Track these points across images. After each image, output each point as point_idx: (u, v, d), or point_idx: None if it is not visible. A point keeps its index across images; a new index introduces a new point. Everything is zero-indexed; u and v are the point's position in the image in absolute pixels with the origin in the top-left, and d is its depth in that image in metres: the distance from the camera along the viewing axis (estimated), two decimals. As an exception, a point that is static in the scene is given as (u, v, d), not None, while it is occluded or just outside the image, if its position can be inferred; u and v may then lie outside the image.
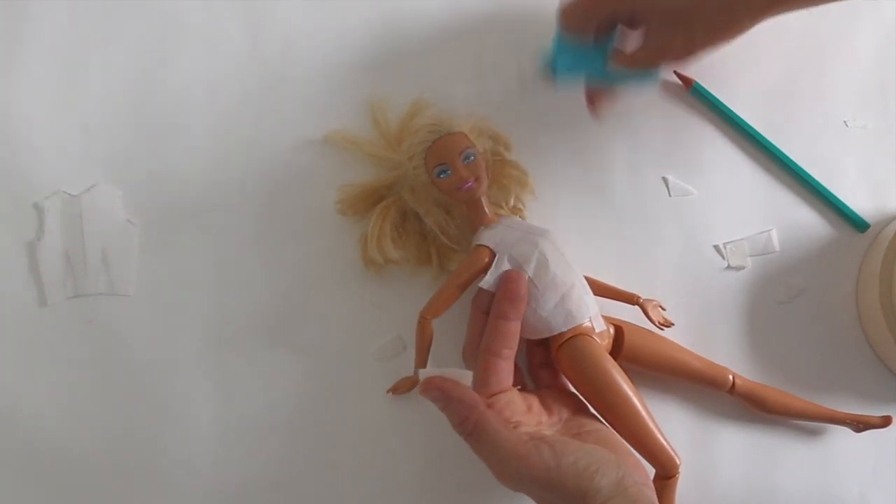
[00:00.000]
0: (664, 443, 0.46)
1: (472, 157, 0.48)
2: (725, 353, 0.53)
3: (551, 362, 0.49)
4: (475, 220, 0.49)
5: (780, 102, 0.59)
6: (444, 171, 0.48)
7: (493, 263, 0.47)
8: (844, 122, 0.59)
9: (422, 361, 0.48)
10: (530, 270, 0.46)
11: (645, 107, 0.58)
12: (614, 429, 0.46)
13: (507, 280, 0.46)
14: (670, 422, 0.51)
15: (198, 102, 0.57)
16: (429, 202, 0.51)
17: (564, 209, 0.55)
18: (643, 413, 0.46)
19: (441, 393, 0.42)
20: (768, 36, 0.61)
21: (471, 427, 0.41)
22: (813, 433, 0.53)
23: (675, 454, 0.46)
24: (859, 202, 0.57)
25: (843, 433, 0.52)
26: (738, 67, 0.60)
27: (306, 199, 0.54)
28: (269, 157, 0.56)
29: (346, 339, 0.53)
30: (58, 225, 0.53)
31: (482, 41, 0.58)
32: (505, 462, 0.41)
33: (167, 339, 0.52)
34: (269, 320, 0.53)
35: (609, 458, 0.42)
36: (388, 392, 0.51)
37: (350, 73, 0.58)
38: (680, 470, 0.46)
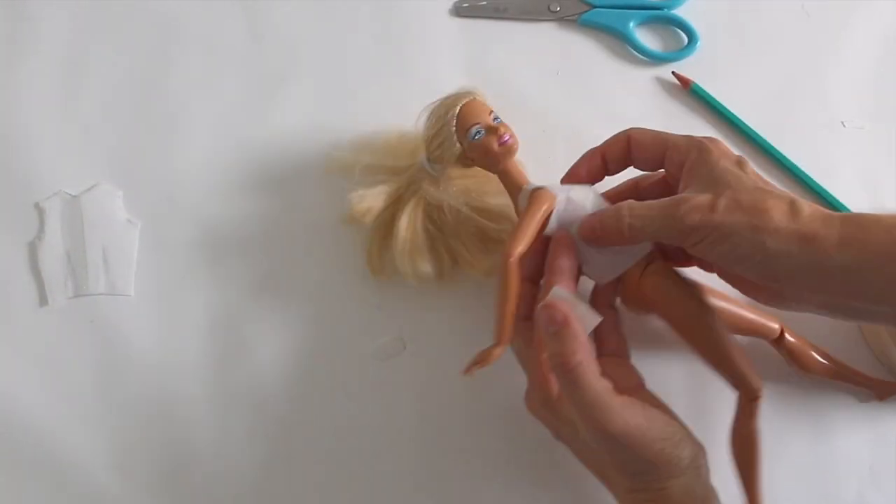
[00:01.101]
0: (749, 363, 0.45)
1: (500, 120, 0.48)
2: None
3: (618, 327, 0.48)
4: (514, 184, 0.48)
5: (778, 103, 0.59)
6: (479, 132, 0.47)
7: (556, 206, 0.45)
8: (842, 122, 0.59)
9: (510, 313, 0.44)
10: (590, 207, 0.45)
11: (644, 107, 0.59)
12: (705, 353, 0.45)
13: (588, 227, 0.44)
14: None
15: (198, 102, 0.57)
16: (455, 191, 0.50)
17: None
18: (729, 334, 0.45)
19: (564, 319, 0.40)
20: (766, 37, 0.61)
21: (573, 365, 0.39)
22: (812, 433, 0.53)
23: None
24: (857, 202, 0.57)
25: (843, 433, 0.52)
26: (736, 68, 0.60)
27: (306, 198, 0.55)
28: (269, 156, 0.56)
29: (346, 339, 0.53)
30: (58, 225, 0.53)
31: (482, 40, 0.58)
32: (598, 412, 0.39)
33: (167, 339, 0.52)
34: (269, 320, 0.53)
35: (687, 433, 0.43)
36: (465, 372, 0.45)
37: (350, 72, 0.58)
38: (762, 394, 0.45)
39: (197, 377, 0.52)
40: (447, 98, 0.49)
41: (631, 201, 0.43)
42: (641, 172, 0.49)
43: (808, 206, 0.40)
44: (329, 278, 0.53)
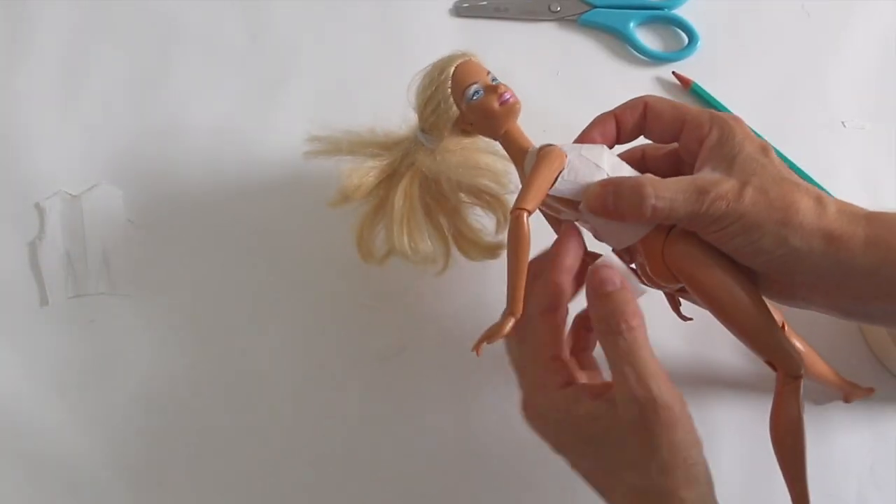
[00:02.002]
0: (788, 337, 0.41)
1: (498, 80, 0.43)
2: (725, 352, 0.54)
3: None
4: (518, 149, 0.43)
5: (778, 103, 0.59)
6: (478, 92, 0.42)
7: (567, 164, 0.41)
8: (842, 122, 0.59)
9: (523, 279, 0.40)
10: (605, 167, 0.41)
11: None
12: (736, 323, 0.40)
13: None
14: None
15: (198, 102, 0.57)
16: (454, 161, 0.46)
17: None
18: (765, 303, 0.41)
19: (622, 281, 0.39)
20: (766, 37, 0.61)
21: (633, 326, 0.38)
22: (812, 433, 0.53)
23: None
24: (856, 202, 0.56)
25: (842, 432, 0.52)
26: (736, 68, 0.60)
27: (306, 198, 0.55)
28: (269, 156, 0.56)
29: (345, 338, 0.53)
30: (59, 225, 0.53)
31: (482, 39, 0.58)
32: (651, 378, 0.37)
33: (167, 338, 0.52)
34: (269, 320, 0.53)
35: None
36: (475, 349, 0.41)
37: (350, 73, 0.58)
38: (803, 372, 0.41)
39: (197, 377, 0.52)
40: (440, 59, 0.45)
41: (651, 177, 0.40)
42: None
43: (834, 203, 0.38)
44: (329, 278, 0.53)
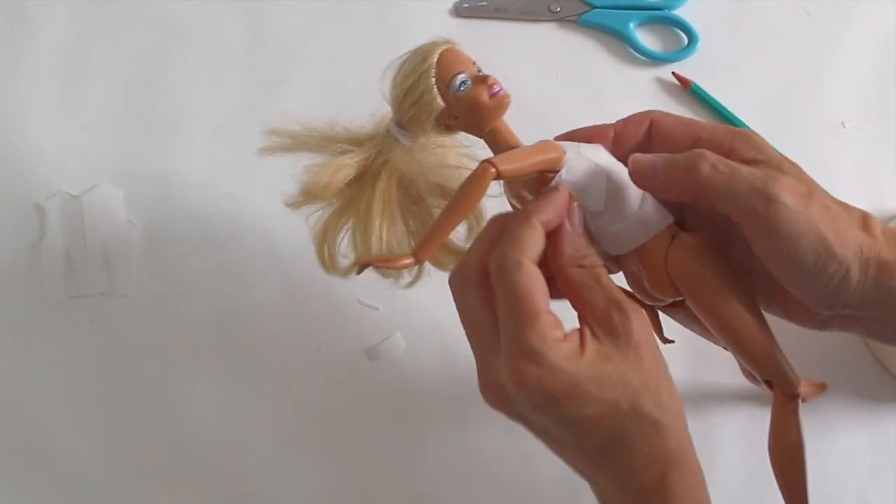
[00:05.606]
0: (784, 356, 0.38)
1: (484, 72, 0.39)
2: (723, 353, 0.53)
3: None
4: (505, 146, 0.39)
5: (778, 103, 0.59)
6: (465, 82, 0.38)
7: (566, 163, 0.37)
8: (842, 123, 0.59)
9: (453, 222, 0.37)
10: (606, 166, 0.38)
11: (644, 108, 0.58)
12: (739, 342, 0.38)
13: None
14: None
15: (198, 102, 0.57)
16: (433, 161, 0.42)
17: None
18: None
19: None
20: (766, 37, 0.61)
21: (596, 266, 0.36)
22: (812, 432, 0.53)
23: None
24: (857, 203, 0.56)
25: (842, 433, 0.52)
26: (736, 68, 0.60)
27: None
28: (269, 156, 0.56)
29: (345, 338, 0.53)
30: (59, 225, 0.53)
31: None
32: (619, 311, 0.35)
33: (167, 339, 0.52)
34: (269, 320, 0.53)
35: None
36: (358, 265, 0.39)
37: (350, 73, 0.58)
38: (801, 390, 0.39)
39: (196, 376, 0.52)
40: (421, 46, 0.40)
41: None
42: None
43: (879, 224, 0.35)
44: (329, 278, 0.53)
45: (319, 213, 0.43)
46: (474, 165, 0.37)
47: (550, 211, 0.36)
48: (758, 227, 0.34)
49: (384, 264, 0.37)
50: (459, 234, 0.46)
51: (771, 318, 0.39)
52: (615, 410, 0.34)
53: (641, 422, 0.35)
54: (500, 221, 0.37)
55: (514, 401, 0.35)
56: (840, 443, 0.52)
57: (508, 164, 0.35)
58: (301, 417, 0.52)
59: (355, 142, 0.42)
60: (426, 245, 0.37)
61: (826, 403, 0.52)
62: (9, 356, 0.52)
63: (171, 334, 0.53)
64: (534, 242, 0.35)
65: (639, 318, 0.36)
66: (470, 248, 0.38)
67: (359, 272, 0.38)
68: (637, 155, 0.37)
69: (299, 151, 0.43)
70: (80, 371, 0.52)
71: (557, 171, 0.37)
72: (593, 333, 0.35)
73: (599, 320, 0.35)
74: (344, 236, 0.43)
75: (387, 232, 0.41)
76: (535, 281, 0.34)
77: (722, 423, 0.52)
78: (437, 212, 0.42)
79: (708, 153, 0.35)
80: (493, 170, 0.35)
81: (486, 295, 0.36)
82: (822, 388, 0.52)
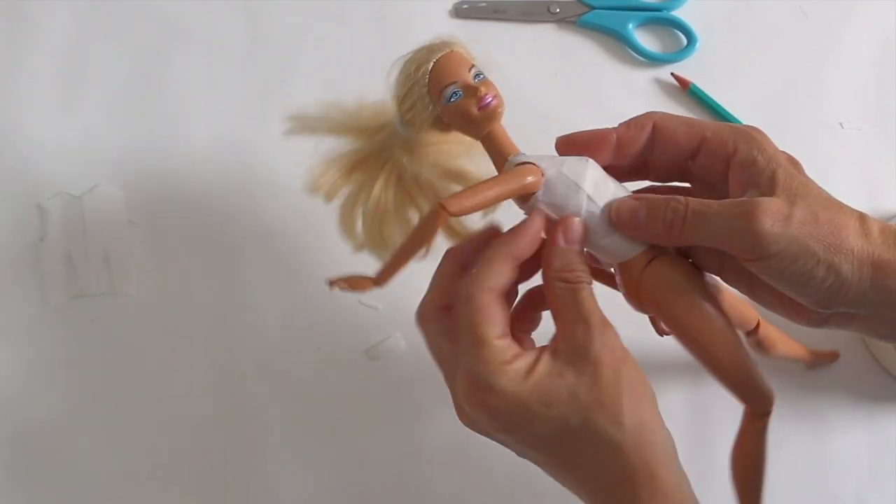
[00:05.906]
0: (760, 372, 0.38)
1: (483, 76, 0.40)
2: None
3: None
4: (499, 153, 0.40)
5: (777, 104, 0.59)
6: (456, 93, 0.39)
7: (544, 184, 0.38)
8: (840, 123, 0.59)
9: (404, 263, 0.39)
10: (588, 186, 0.38)
11: (643, 108, 0.58)
12: (711, 360, 0.37)
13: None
14: (667, 418, 0.51)
15: (198, 103, 0.57)
16: (432, 158, 0.43)
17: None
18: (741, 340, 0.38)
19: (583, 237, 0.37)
20: (765, 38, 0.61)
21: (579, 282, 0.37)
22: (811, 433, 0.53)
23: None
24: (855, 204, 0.56)
25: (841, 432, 0.53)
26: (735, 69, 0.60)
27: (306, 198, 0.54)
28: (269, 156, 0.56)
29: (345, 338, 0.53)
30: (60, 226, 0.54)
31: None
32: (598, 331, 0.36)
33: (167, 339, 0.53)
34: (269, 320, 0.53)
35: None
36: (330, 282, 0.41)
37: (350, 73, 0.58)
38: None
39: (197, 376, 0.52)
40: (420, 50, 0.41)
41: (686, 197, 0.36)
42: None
43: (875, 224, 0.35)
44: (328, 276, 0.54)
45: (325, 210, 0.46)
46: (479, 159, 0.41)
47: (520, 244, 0.37)
48: (745, 255, 0.35)
49: (347, 286, 0.40)
50: (472, 219, 0.45)
51: (771, 317, 0.39)
52: (563, 427, 0.35)
53: (597, 439, 0.35)
54: (455, 255, 0.39)
55: (477, 422, 0.37)
56: (838, 442, 0.53)
57: (463, 203, 0.37)
58: (301, 417, 0.52)
59: (367, 132, 0.44)
60: (385, 273, 0.39)
61: (825, 403, 0.53)
62: (10, 356, 0.52)
63: (171, 334, 0.53)
64: (493, 274, 0.37)
65: (604, 335, 0.36)
66: (429, 285, 0.40)
67: (331, 289, 0.40)
68: (617, 204, 0.38)
69: (317, 134, 0.45)
70: (81, 371, 0.52)
71: (533, 194, 0.38)
72: (554, 350, 0.36)
73: (566, 334, 0.36)
74: (359, 217, 0.45)
75: (384, 226, 0.44)
76: (481, 311, 0.36)
77: (722, 423, 0.52)
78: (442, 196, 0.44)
79: (682, 202, 0.36)
80: (444, 214, 0.37)
81: (445, 327, 0.38)
82: (833, 356, 0.50)
